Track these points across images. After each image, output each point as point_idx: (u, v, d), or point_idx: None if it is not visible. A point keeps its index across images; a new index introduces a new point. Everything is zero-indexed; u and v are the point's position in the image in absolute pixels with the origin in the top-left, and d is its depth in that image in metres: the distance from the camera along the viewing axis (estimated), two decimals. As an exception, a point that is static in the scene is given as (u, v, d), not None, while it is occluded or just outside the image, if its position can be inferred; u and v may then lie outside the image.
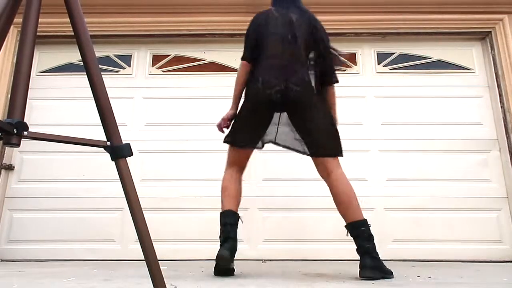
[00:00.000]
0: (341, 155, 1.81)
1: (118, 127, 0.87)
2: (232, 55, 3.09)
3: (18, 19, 0.74)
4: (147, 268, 0.81)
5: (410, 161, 2.92)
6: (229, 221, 1.77)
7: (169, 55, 3.25)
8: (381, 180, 2.89)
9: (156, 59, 3.25)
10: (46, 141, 0.78)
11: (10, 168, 2.91)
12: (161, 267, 0.82)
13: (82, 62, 0.87)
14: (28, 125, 0.73)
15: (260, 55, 1.88)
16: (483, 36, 3.19)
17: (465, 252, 2.70)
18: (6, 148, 2.92)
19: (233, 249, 1.70)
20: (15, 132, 0.71)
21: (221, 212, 1.81)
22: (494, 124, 2.98)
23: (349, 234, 1.71)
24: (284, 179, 2.85)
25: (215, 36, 3.19)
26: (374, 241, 1.68)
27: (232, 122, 1.95)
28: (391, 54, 3.21)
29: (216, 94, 3.03)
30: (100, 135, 0.84)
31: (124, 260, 2.68)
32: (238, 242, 1.75)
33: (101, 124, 0.85)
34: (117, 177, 0.84)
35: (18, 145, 0.72)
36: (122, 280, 1.61)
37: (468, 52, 3.20)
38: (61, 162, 2.94)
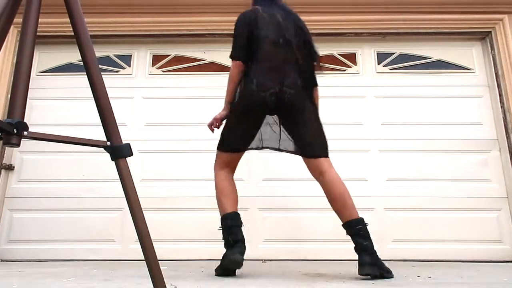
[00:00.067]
0: (328, 157, 1.83)
1: (118, 127, 0.87)
2: (232, 55, 3.09)
3: (18, 19, 0.74)
4: (147, 268, 0.81)
5: (410, 161, 2.92)
6: (235, 223, 1.77)
7: (169, 55, 3.25)
8: (381, 180, 2.89)
9: (156, 59, 3.25)
10: (46, 141, 0.78)
11: (10, 168, 2.91)
12: (161, 267, 0.82)
13: (82, 62, 0.87)
14: (28, 125, 0.73)
15: (252, 56, 1.87)
16: (483, 36, 3.19)
17: (465, 252, 2.70)
18: (6, 148, 2.92)
19: (244, 252, 1.71)
20: (15, 132, 0.71)
21: (223, 215, 1.80)
22: (494, 124, 2.98)
23: (347, 233, 1.72)
24: (284, 179, 2.85)
25: (215, 36, 3.19)
26: (372, 240, 1.68)
27: (224, 125, 1.93)
28: (391, 54, 3.21)
29: (216, 94, 3.02)
30: (100, 135, 0.83)
31: (124, 260, 2.68)
32: (245, 248, 1.75)
33: (101, 124, 0.85)
34: (117, 177, 0.84)
35: (18, 145, 0.72)
36: (122, 280, 1.61)
37: (468, 52, 3.20)
38: (61, 162, 2.94)
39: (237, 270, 1.81)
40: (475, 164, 2.90)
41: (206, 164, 2.92)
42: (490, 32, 3.14)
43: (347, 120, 3.03)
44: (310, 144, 1.80)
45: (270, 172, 2.89)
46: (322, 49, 3.21)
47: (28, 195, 2.88)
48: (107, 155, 0.85)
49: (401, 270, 2.00)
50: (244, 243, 1.75)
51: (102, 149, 0.84)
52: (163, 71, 3.22)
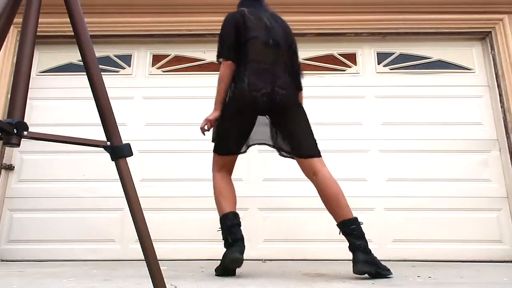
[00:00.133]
0: (321, 156, 1.83)
1: (118, 127, 0.87)
2: (232, 55, 3.09)
3: (18, 19, 0.74)
4: (147, 268, 0.81)
5: (410, 161, 2.92)
6: (235, 223, 1.78)
7: (169, 55, 3.25)
8: (381, 180, 2.89)
9: (156, 59, 3.25)
10: (46, 141, 0.78)
11: (10, 168, 2.91)
12: (161, 267, 0.82)
13: (82, 62, 0.87)
14: (28, 125, 0.73)
15: (242, 57, 1.87)
16: (483, 36, 3.19)
17: (465, 252, 2.70)
18: (6, 148, 2.92)
19: (243, 251, 1.71)
20: (15, 132, 0.71)
21: (222, 215, 1.81)
22: (494, 124, 2.98)
23: (341, 233, 1.72)
24: (284, 179, 2.85)
25: (215, 36, 3.16)
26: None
27: (217, 128, 1.92)
28: (391, 54, 3.21)
29: (216, 94, 3.03)
30: (100, 135, 0.83)
31: (124, 260, 2.68)
32: (244, 247, 1.75)
33: (101, 124, 0.85)
34: (117, 177, 0.84)
35: (18, 145, 0.72)
36: (122, 280, 1.61)
37: (468, 52, 3.20)
38: (61, 162, 2.94)
39: (237, 270, 1.82)
40: (475, 164, 2.90)
41: (206, 164, 2.92)
42: (490, 32, 3.14)
43: (347, 120, 3.03)
44: (302, 144, 1.80)
45: (270, 172, 2.89)
46: (322, 49, 3.23)
47: (28, 195, 2.88)
48: (107, 155, 0.85)
49: (401, 270, 2.00)
50: (244, 242, 1.75)
51: (102, 149, 0.84)
52: (163, 71, 3.22)
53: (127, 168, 0.84)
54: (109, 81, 3.06)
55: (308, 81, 3.11)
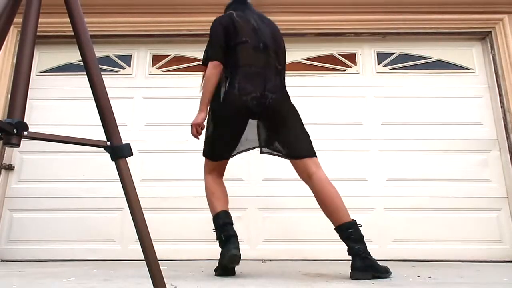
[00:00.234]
0: (316, 156, 1.81)
1: (118, 127, 0.87)
2: (232, 55, 3.09)
3: (18, 19, 0.74)
4: (147, 268, 0.81)
5: (410, 161, 2.92)
6: (227, 221, 1.78)
7: (169, 55, 3.25)
8: (381, 180, 2.89)
9: (156, 59, 3.25)
10: (46, 141, 0.78)
11: (10, 168, 2.91)
12: (161, 267, 0.82)
13: (82, 62, 0.87)
14: (28, 125, 0.73)
15: (231, 61, 1.86)
16: (483, 36, 3.19)
17: (465, 252, 2.70)
18: (6, 148, 2.92)
19: (238, 247, 1.71)
20: (15, 132, 0.71)
21: (215, 215, 1.82)
22: (494, 124, 2.98)
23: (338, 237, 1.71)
24: (284, 179, 2.85)
25: (215, 36, 3.18)
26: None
27: (206, 134, 1.91)
28: (391, 54, 3.21)
29: (216, 94, 3.02)
30: (100, 135, 0.83)
31: (124, 260, 2.68)
32: (238, 243, 1.75)
33: (101, 124, 0.85)
34: (117, 177, 0.84)
35: (18, 145, 0.72)
36: (122, 280, 1.61)
37: (468, 52, 3.20)
38: (61, 162, 2.94)
39: (237, 270, 1.82)
40: (475, 164, 2.90)
41: (206, 164, 2.92)
42: (490, 32, 3.14)
43: (347, 120, 3.03)
44: (294, 146, 1.80)
45: (270, 172, 2.89)
46: (322, 49, 3.23)
47: (28, 195, 2.88)
48: (107, 155, 0.85)
49: (401, 270, 2.00)
50: (237, 238, 1.75)
51: (102, 149, 0.84)
52: (163, 71, 3.22)
53: (127, 168, 0.84)
54: (109, 81, 3.06)
55: (308, 81, 3.12)
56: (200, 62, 3.22)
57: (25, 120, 0.74)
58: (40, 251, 2.75)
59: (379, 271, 1.63)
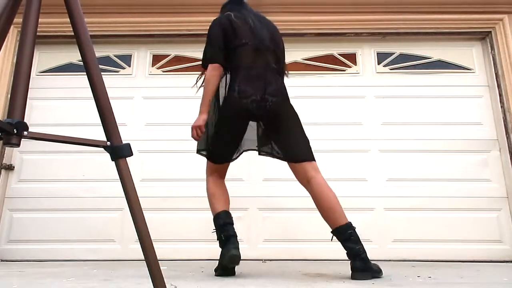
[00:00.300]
0: (315, 160, 1.81)
1: (118, 127, 0.87)
2: (232, 55, 3.09)
3: (18, 19, 0.74)
4: (147, 268, 0.81)
5: (410, 161, 2.92)
6: (227, 221, 1.78)
7: (169, 55, 3.25)
8: (381, 180, 2.89)
9: (156, 59, 3.25)
10: (46, 141, 0.78)
11: (10, 168, 2.91)
12: (161, 267, 0.82)
13: (82, 62, 0.87)
14: (28, 125, 0.73)
15: (232, 63, 1.85)
16: (483, 36, 3.19)
17: (465, 252, 2.70)
18: (6, 148, 2.92)
19: (238, 247, 1.72)
20: (15, 132, 0.71)
21: (215, 215, 1.83)
22: (494, 124, 2.98)
23: (334, 238, 1.71)
24: (284, 179, 2.84)
25: (215, 36, 3.18)
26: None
27: (207, 135, 1.91)
28: (391, 54, 3.21)
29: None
30: (100, 135, 0.83)
31: (124, 260, 2.68)
32: (238, 243, 1.75)
33: (101, 124, 0.85)
34: (117, 177, 0.84)
35: (18, 145, 0.72)
36: (122, 280, 1.61)
37: (468, 52, 3.20)
38: (61, 162, 2.94)
39: (237, 270, 1.82)
40: (475, 164, 2.90)
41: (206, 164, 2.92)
42: (490, 32, 3.14)
43: (347, 120, 3.03)
44: (293, 149, 1.80)
45: (270, 172, 2.89)
46: (322, 49, 3.23)
47: (28, 195, 2.87)
48: (107, 155, 0.85)
49: (401, 270, 2.00)
50: (237, 238, 1.76)
51: (102, 149, 0.84)
52: (163, 71, 3.22)
53: (127, 168, 0.84)
54: (109, 81, 3.06)
55: (308, 81, 3.12)
56: (200, 62, 3.25)
57: (25, 120, 0.74)
58: (40, 251, 2.75)
59: (376, 272, 1.65)
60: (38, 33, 0.82)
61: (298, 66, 3.16)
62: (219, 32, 1.87)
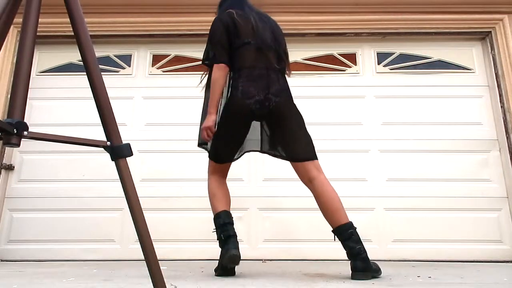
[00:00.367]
0: (317, 158, 1.81)
1: (118, 127, 0.87)
2: (232, 55, 3.09)
3: (18, 19, 0.74)
4: (147, 268, 0.81)
5: (410, 161, 2.92)
6: (227, 221, 1.78)
7: (169, 55, 3.25)
8: (381, 180, 2.89)
9: (156, 59, 3.25)
10: (46, 141, 0.78)
11: (10, 168, 2.91)
12: (161, 267, 0.82)
13: (82, 62, 0.87)
14: (28, 125, 0.73)
15: (235, 63, 1.84)
16: (483, 36, 3.19)
17: (465, 252, 2.70)
18: (6, 148, 2.92)
19: (238, 247, 1.72)
20: (15, 132, 0.71)
21: (216, 214, 1.83)
22: (494, 124, 2.98)
23: (337, 238, 1.72)
24: (284, 179, 2.85)
25: (215, 36, 3.18)
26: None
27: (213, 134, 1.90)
28: (391, 54, 3.21)
29: (216, 94, 3.02)
30: (100, 135, 0.84)
31: (124, 260, 2.68)
32: (238, 243, 1.76)
33: (101, 124, 0.85)
34: (117, 177, 0.84)
35: (18, 145, 0.72)
36: (122, 280, 1.61)
37: (468, 52, 3.20)
38: (61, 162, 2.94)
39: (237, 270, 1.82)
40: (475, 164, 2.90)
41: (206, 164, 2.92)
42: (490, 32, 3.14)
43: (347, 120, 3.03)
44: (295, 149, 1.79)
45: (270, 172, 2.89)
46: (322, 49, 3.23)
47: (28, 195, 2.87)
48: (107, 155, 0.85)
49: (401, 270, 2.00)
50: (237, 238, 1.76)
51: (102, 149, 0.84)
52: (163, 71, 3.22)
53: (127, 168, 0.84)
54: (109, 81, 3.06)
55: (308, 81, 3.12)
56: (200, 62, 3.24)
57: (25, 120, 0.74)
58: (40, 251, 2.75)
59: (375, 272, 1.66)
60: (38, 33, 0.82)
61: (298, 66, 3.16)
62: (223, 30, 1.85)
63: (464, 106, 3.03)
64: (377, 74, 3.16)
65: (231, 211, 1.85)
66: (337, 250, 2.60)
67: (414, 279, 1.67)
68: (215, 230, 1.82)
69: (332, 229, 1.72)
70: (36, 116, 3.04)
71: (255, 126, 1.93)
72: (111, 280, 1.64)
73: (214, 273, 1.81)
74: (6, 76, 3.00)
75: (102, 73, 0.87)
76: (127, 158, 0.85)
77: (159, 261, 0.83)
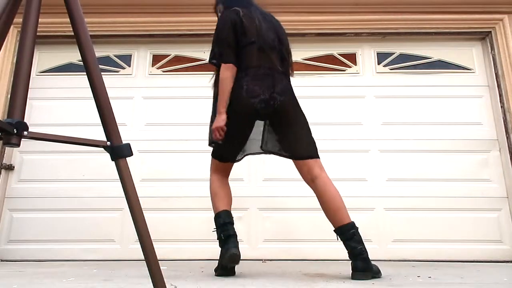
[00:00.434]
0: (319, 158, 1.81)
1: (118, 127, 0.87)
2: (232, 55, 3.09)
3: (18, 19, 0.74)
4: (147, 268, 0.81)
5: (410, 161, 2.92)
6: (227, 220, 1.78)
7: (169, 55, 3.25)
8: (381, 180, 2.89)
9: (156, 59, 3.25)
10: (46, 141, 0.78)
11: (10, 168, 2.91)
12: (161, 267, 0.82)
13: (82, 62, 0.87)
14: (28, 125, 0.73)
15: (240, 62, 1.83)
16: (483, 36, 3.19)
17: (465, 252, 2.70)
18: (6, 148, 2.92)
19: (238, 246, 1.72)
20: (15, 132, 0.71)
21: (217, 214, 1.83)
22: (494, 124, 2.98)
23: (338, 238, 1.72)
24: (284, 179, 2.85)
25: (215, 36, 3.18)
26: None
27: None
28: (391, 54, 3.21)
29: (216, 94, 3.02)
30: (100, 135, 0.84)
31: (124, 260, 2.68)
32: (238, 242, 1.76)
33: (101, 124, 0.85)
34: (117, 177, 0.84)
35: (18, 145, 0.72)
36: (122, 280, 1.61)
37: (468, 52, 3.20)
38: (61, 162, 2.94)
39: (237, 270, 1.82)
40: (475, 164, 2.90)
41: (206, 164, 2.92)
42: (490, 32, 3.14)
43: (347, 120, 3.03)
44: (298, 147, 1.80)
45: (270, 172, 2.89)
46: (322, 49, 3.23)
47: (28, 195, 2.87)
48: (107, 155, 0.85)
49: (401, 270, 2.00)
50: (237, 238, 1.76)
51: (102, 149, 0.84)
52: (163, 71, 3.22)
53: (127, 168, 0.84)
54: (109, 81, 3.06)
55: (308, 81, 3.12)
56: (200, 62, 3.26)
57: (25, 120, 0.74)
58: (40, 251, 2.75)
59: (375, 272, 1.65)
60: (38, 33, 0.82)
61: (299, 66, 3.16)
62: (230, 29, 1.84)
63: (464, 106, 3.03)
64: (377, 74, 3.16)
65: (231, 211, 1.85)
66: (337, 250, 2.60)
67: (414, 279, 1.67)
68: (215, 229, 1.82)
69: (334, 228, 1.72)
70: (36, 116, 3.04)
71: (258, 125, 1.93)
72: (111, 280, 1.64)
73: (214, 273, 1.81)
74: (6, 76, 3.00)
75: (102, 73, 0.87)
76: (127, 158, 0.85)
77: (159, 261, 0.83)
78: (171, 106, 3.09)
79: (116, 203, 2.81)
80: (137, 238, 0.82)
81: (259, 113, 1.80)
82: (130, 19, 3.15)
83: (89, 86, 0.86)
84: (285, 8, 3.10)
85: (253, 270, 2.02)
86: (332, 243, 2.69)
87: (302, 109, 1.89)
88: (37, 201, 2.86)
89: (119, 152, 0.84)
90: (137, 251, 2.57)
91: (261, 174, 2.91)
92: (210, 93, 3.05)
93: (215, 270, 1.81)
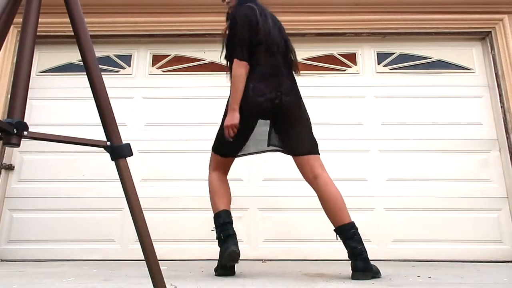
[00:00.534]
0: (319, 154, 1.83)
1: (118, 127, 0.87)
2: (232, 55, 3.09)
3: (18, 19, 0.74)
4: (147, 268, 0.81)
5: (410, 161, 2.92)
6: (227, 220, 1.79)
7: (169, 55, 3.25)
8: (381, 180, 2.89)
9: (156, 59, 3.25)
10: (46, 141, 0.78)
11: (10, 168, 2.91)
12: (161, 267, 0.82)
13: (82, 62, 0.87)
14: (28, 125, 0.73)
15: (250, 60, 1.82)
16: (483, 36, 3.19)
17: (465, 252, 2.70)
18: (6, 148, 2.92)
19: (237, 244, 1.72)
20: (15, 132, 0.71)
21: (216, 213, 1.83)
22: (494, 124, 2.98)
23: (338, 237, 1.72)
24: (284, 179, 2.85)
25: (215, 36, 3.17)
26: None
27: (219, 129, 1.91)
28: (391, 54, 3.21)
29: (216, 94, 3.02)
30: (100, 135, 0.83)
31: (124, 260, 2.68)
32: (237, 241, 1.76)
33: (101, 124, 0.85)
34: (117, 177, 0.84)
35: (18, 145, 0.72)
36: (122, 280, 1.61)
37: (468, 52, 3.20)
38: (61, 162, 2.94)
39: (237, 270, 1.82)
40: (475, 164, 2.90)
41: (206, 164, 2.91)
42: (490, 32, 3.14)
43: (347, 120, 3.03)
44: (299, 143, 1.81)
45: (270, 172, 2.89)
46: (322, 49, 3.23)
47: (28, 195, 2.87)
48: (107, 155, 0.85)
49: (401, 270, 2.00)
50: (236, 237, 1.76)
51: (102, 149, 0.84)
52: (163, 71, 3.22)
53: (127, 168, 0.84)
54: (109, 81, 3.06)
55: (308, 81, 3.12)
56: (200, 62, 3.26)
57: (25, 120, 0.74)
58: (40, 251, 2.75)
59: (375, 272, 1.66)
60: (38, 33, 0.82)
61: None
62: (247, 26, 1.81)
63: (464, 106, 3.03)
64: (377, 74, 3.16)
65: (231, 211, 1.85)
66: (337, 250, 2.59)
67: (414, 279, 1.67)
68: (214, 229, 1.82)
69: (334, 228, 1.72)
70: (36, 116, 3.04)
71: (262, 125, 1.93)
72: (111, 280, 1.64)
73: (214, 273, 1.81)
74: (6, 76, 3.00)
75: (102, 73, 0.87)
76: (127, 158, 0.85)
77: (159, 261, 0.83)
78: (171, 106, 3.09)
79: (116, 203, 2.81)
80: (137, 238, 0.82)
81: (265, 112, 1.80)
82: (130, 19, 3.15)
83: (89, 86, 0.86)
84: (285, 8, 3.09)
85: (253, 270, 2.02)
86: (332, 243, 2.68)
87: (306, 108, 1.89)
88: (37, 201, 2.86)
89: (119, 152, 0.84)
90: (137, 251, 2.57)
91: (261, 174, 2.91)
92: (210, 93, 3.08)
93: (215, 270, 1.81)
